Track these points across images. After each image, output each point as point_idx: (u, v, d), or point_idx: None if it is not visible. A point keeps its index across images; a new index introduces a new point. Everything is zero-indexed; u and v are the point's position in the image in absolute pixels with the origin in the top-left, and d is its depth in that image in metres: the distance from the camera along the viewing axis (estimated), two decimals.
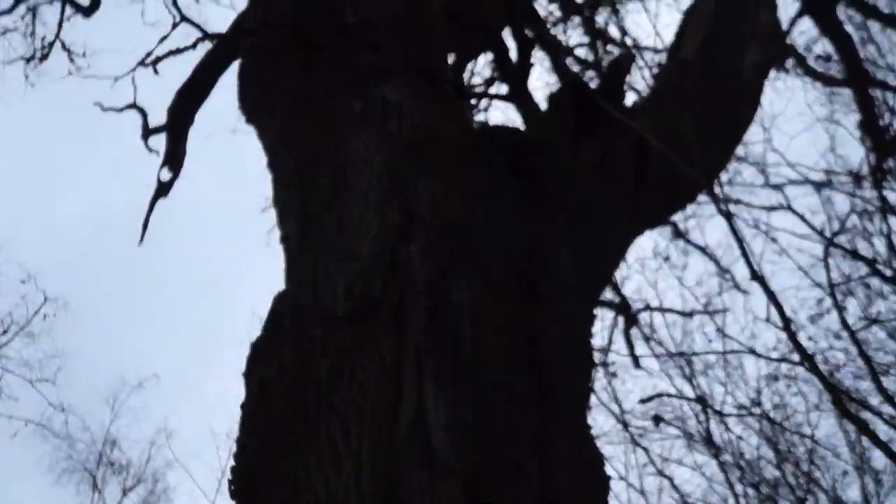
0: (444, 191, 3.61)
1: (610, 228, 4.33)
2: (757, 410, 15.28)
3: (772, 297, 11.13)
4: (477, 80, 9.97)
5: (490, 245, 3.47)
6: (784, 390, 15.04)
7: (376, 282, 3.18)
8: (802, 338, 12.71)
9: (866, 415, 13.02)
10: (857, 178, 13.10)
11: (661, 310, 14.94)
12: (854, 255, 13.26)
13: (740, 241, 11.05)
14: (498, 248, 3.50)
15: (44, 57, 10.68)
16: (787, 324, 11.11)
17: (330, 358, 2.94)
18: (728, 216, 11.22)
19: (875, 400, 13.41)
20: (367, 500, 2.51)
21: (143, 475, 24.22)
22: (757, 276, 11.30)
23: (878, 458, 15.42)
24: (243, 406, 3.14)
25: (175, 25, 9.61)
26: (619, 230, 4.47)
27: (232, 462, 2.97)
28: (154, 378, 24.68)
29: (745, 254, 10.47)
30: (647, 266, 14.58)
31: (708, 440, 15.48)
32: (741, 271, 13.32)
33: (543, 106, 6.07)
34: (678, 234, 13.58)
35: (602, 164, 4.45)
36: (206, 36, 8.77)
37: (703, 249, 13.86)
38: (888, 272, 13.27)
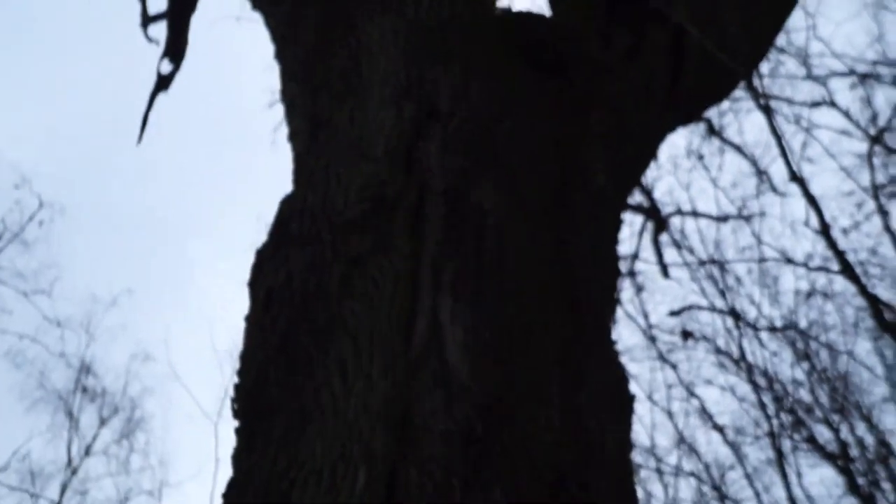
0: (466, 83, 3.52)
1: (643, 125, 4.23)
2: (791, 326, 15.19)
3: (811, 199, 10.98)
4: None
5: (516, 144, 3.38)
6: (820, 305, 14.97)
7: (391, 182, 3.12)
8: (842, 245, 12.63)
9: None
10: None
11: (693, 214, 14.81)
12: None
13: (779, 138, 10.86)
14: (524, 147, 3.41)
15: None
16: (825, 228, 10.97)
17: (341, 266, 2.87)
18: (767, 111, 11.03)
19: None
20: (379, 422, 2.47)
21: (120, 403, 23.95)
22: (796, 177, 11.11)
23: None
24: (248, 318, 3.08)
25: None
26: (653, 127, 4.38)
27: (235, 379, 2.93)
28: (128, 293, 24.30)
29: (783, 152, 10.27)
30: (679, 166, 14.43)
31: (740, 358, 15.39)
32: (779, 173, 13.19)
33: None
34: (713, 131, 13.41)
35: (635, 55, 4.34)
36: None
37: (738, 148, 13.70)
38: None
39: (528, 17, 4.66)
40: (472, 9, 4.23)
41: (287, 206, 3.36)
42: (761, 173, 13.71)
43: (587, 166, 3.61)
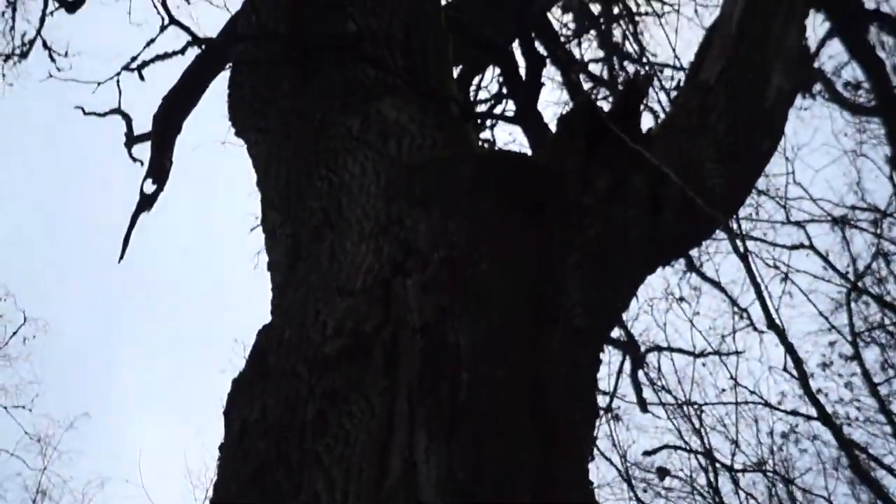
0: (444, 222, 3.59)
1: (622, 267, 4.29)
2: (768, 467, 15.10)
3: (788, 347, 11.11)
4: (483, 95, 9.96)
5: (494, 283, 3.44)
6: (796, 449, 14.92)
7: (368, 319, 3.17)
8: (816, 384, 12.66)
9: (881, 476, 12.92)
10: (883, 215, 13.11)
11: (671, 349, 14.82)
12: (880, 301, 13.20)
13: (757, 285, 11.03)
14: (502, 286, 3.47)
15: (23, 55, 10.64)
16: (803, 377, 11.07)
17: (316, 402, 2.91)
18: (745, 258, 11.21)
19: (891, 459, 13.33)
20: None
21: None
22: (773, 325, 11.26)
23: None
24: (222, 447, 3.11)
25: (163, 28, 9.57)
26: (632, 269, 4.44)
27: None
28: (85, 417, 24.14)
29: (761, 299, 10.44)
30: (657, 306, 14.50)
31: (715, 499, 15.26)
32: (757, 311, 13.26)
33: (553, 126, 6.05)
34: (692, 267, 13.51)
35: (615, 196, 4.42)
36: (196, 40, 8.75)
37: (717, 284, 13.79)
38: None
39: (508, 157, 4.76)
40: (453, 147, 4.33)
41: (264, 337, 3.41)
42: (741, 311, 13.76)
43: (565, 306, 3.66)
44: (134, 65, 9.51)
